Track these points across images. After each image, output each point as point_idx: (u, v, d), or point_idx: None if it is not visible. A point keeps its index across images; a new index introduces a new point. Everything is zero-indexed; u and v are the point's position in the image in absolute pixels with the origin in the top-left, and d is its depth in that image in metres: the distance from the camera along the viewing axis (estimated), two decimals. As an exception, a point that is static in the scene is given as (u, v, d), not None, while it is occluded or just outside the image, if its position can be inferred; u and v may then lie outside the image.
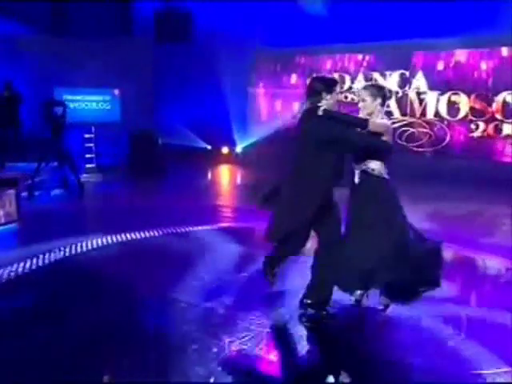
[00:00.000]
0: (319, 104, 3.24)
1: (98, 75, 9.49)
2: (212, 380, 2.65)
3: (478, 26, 8.75)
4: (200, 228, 5.81)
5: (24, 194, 7.32)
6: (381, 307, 3.49)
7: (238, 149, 11.98)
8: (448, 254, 4.80)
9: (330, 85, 3.34)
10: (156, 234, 5.58)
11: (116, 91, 9.93)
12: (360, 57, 10.73)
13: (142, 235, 5.49)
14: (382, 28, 9.50)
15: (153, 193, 8.51)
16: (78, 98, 9.78)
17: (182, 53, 10.76)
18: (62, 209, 7.06)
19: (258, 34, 10.60)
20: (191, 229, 5.78)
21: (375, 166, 3.35)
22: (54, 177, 8.06)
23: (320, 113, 3.20)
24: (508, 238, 5.42)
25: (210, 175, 10.92)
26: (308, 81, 3.54)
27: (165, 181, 9.59)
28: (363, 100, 3.44)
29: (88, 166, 9.53)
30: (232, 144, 12.00)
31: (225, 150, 12.05)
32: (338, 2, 9.77)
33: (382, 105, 3.46)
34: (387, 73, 10.39)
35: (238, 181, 10.85)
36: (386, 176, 3.36)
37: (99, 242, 5.19)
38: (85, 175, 9.35)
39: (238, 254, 4.86)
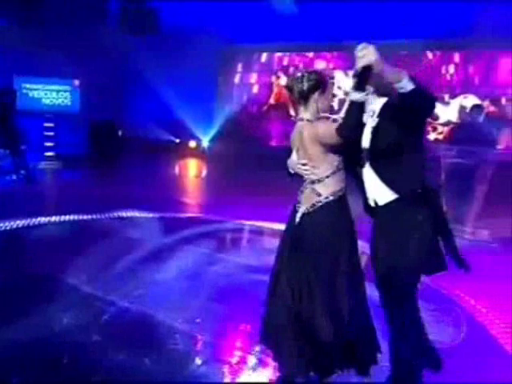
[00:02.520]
0: None
1: (60, 65, 9.59)
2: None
3: (440, 30, 8.87)
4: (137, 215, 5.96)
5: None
6: None
7: (205, 143, 12.09)
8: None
9: None
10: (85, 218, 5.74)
11: (76, 81, 10.02)
12: (323, 55, 10.82)
13: (73, 218, 5.66)
14: (345, 28, 9.58)
15: (106, 181, 8.63)
16: (38, 87, 9.89)
17: (148, 45, 10.84)
18: (6, 193, 7.21)
19: (224, 28, 10.68)
20: (118, 215, 5.94)
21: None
22: (7, 163, 8.23)
23: None
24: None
25: (171, 168, 11.02)
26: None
27: (122, 171, 9.71)
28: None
29: (47, 154, 9.67)
30: (200, 138, 12.11)
31: (192, 143, 12.15)
32: (304, 1, 9.86)
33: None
34: (349, 72, 10.46)
35: (196, 173, 10.95)
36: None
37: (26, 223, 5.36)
38: (43, 163, 9.52)
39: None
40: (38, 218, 5.52)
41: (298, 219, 2.46)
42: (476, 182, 5.76)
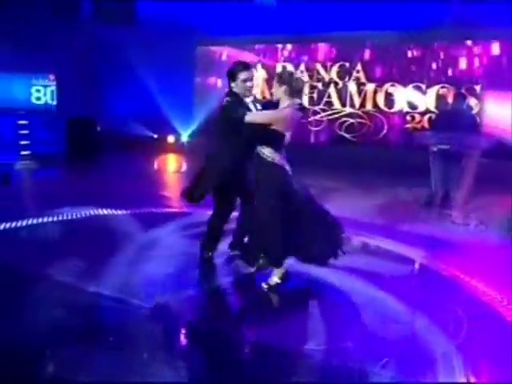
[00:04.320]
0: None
1: (34, 60, 9.26)
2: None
3: (415, 22, 9.03)
4: (121, 212, 5.84)
5: None
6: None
7: (184, 138, 11.95)
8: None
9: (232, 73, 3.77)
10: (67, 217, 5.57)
11: (51, 76, 9.70)
12: (302, 48, 10.83)
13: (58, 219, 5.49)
14: (324, 20, 9.63)
15: (83, 179, 8.38)
16: (11, 83, 9.51)
17: (126, 39, 10.60)
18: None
19: (203, 21, 10.54)
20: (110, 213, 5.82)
21: (267, 151, 3.53)
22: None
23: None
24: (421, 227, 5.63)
25: (150, 163, 10.84)
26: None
27: (100, 168, 9.48)
28: (274, 86, 3.67)
29: (22, 153, 9.32)
30: (179, 133, 11.96)
31: (170, 138, 12.00)
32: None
33: (290, 93, 3.53)
34: (328, 64, 10.53)
35: (175, 169, 10.79)
36: (278, 162, 3.52)
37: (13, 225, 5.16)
38: (19, 162, 9.17)
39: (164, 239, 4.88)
40: (27, 219, 5.33)
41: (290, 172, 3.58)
42: (462, 167, 5.91)
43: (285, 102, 3.51)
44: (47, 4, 9.39)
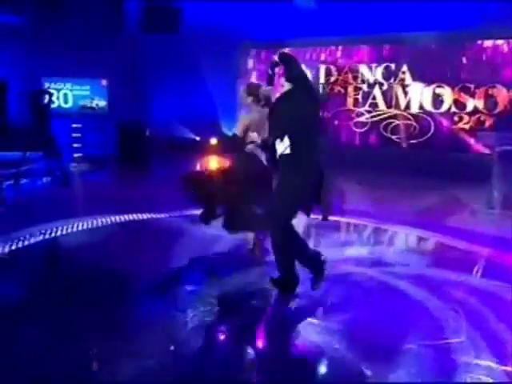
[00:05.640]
0: None
1: (87, 65, 9.56)
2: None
3: (461, 21, 8.94)
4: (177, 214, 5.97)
5: (10, 182, 7.46)
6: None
7: (227, 140, 12.09)
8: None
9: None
10: (130, 219, 5.71)
11: (104, 81, 9.99)
12: (346, 49, 10.83)
13: (117, 220, 5.64)
14: (369, 21, 9.63)
15: (136, 181, 8.59)
16: (66, 87, 9.84)
17: (171, 44, 10.82)
18: (44, 195, 7.14)
19: (246, 25, 10.67)
20: (167, 215, 5.95)
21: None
22: (41, 165, 8.15)
23: None
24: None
25: (195, 165, 11.00)
26: None
27: (150, 170, 9.70)
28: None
29: (75, 155, 9.63)
30: (221, 135, 12.11)
31: (213, 141, 12.15)
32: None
33: (257, 102, 4.08)
34: (373, 65, 10.50)
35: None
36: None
37: (77, 225, 5.31)
38: (72, 164, 9.47)
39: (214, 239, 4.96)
40: (87, 220, 5.47)
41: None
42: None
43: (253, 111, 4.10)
44: (99, 14, 9.68)
